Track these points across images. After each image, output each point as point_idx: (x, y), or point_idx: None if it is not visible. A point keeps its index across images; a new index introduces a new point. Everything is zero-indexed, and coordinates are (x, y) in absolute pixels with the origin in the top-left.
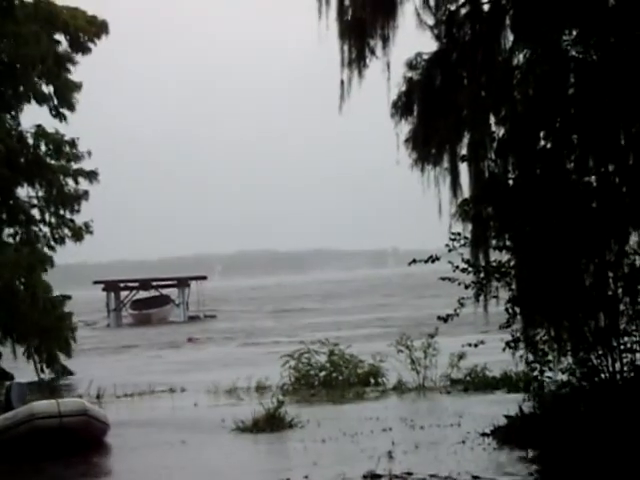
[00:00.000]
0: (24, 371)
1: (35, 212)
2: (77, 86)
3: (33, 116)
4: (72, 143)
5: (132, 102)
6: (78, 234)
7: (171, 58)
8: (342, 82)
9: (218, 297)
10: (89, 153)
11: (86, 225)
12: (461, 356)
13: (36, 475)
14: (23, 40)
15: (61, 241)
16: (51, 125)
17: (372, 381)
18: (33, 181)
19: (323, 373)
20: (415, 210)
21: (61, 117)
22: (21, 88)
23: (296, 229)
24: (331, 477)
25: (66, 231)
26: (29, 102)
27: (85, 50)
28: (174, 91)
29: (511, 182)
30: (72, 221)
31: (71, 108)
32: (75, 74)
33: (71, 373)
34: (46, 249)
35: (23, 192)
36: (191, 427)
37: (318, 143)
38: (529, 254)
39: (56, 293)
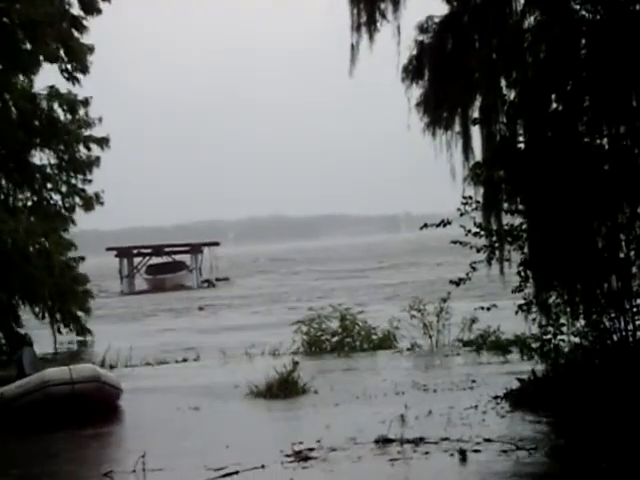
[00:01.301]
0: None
1: (48, 178)
2: (90, 49)
3: (45, 79)
4: (85, 102)
5: (147, 66)
6: (89, 204)
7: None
8: (352, 46)
9: (231, 263)
10: (100, 119)
11: (97, 195)
12: (473, 320)
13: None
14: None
15: (72, 210)
16: (64, 87)
17: (384, 344)
18: (48, 144)
19: (335, 338)
20: (427, 174)
21: (74, 80)
22: (34, 49)
23: (307, 195)
24: (343, 441)
25: (77, 200)
26: (41, 64)
27: (97, 11)
28: (187, 56)
29: (523, 145)
30: (83, 190)
31: (85, 70)
32: (87, 37)
33: (90, 332)
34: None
35: (36, 159)
36: (204, 393)
37: (329, 108)
38: (541, 217)
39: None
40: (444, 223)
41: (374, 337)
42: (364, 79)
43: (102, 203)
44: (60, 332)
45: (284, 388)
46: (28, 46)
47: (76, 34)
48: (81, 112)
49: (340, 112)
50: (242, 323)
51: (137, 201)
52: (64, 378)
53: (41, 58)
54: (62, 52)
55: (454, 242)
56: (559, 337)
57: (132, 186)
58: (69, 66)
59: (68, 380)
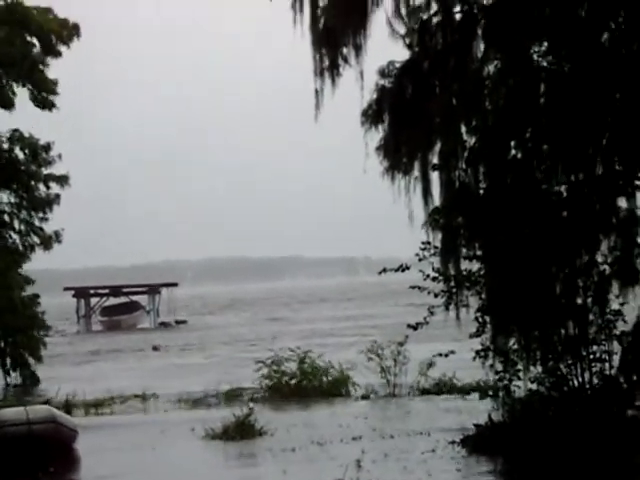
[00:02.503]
0: None
1: (5, 218)
2: (54, 83)
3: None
4: (47, 147)
5: (105, 102)
6: (47, 242)
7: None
8: (316, 91)
9: (189, 304)
10: (60, 157)
11: (56, 234)
12: (430, 364)
13: None
14: None
15: (31, 249)
16: (26, 129)
17: (341, 388)
18: (9, 185)
19: (293, 381)
20: (387, 218)
21: (49, 106)
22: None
23: (268, 236)
24: None
25: (35, 239)
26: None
27: (57, 53)
28: (150, 95)
29: (482, 191)
30: (41, 229)
31: (52, 104)
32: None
33: (38, 381)
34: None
35: None
36: (161, 434)
37: (290, 151)
38: (499, 263)
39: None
40: (402, 268)
41: (330, 378)
42: (325, 122)
43: (60, 241)
44: (9, 374)
45: (240, 430)
46: None
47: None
48: (42, 154)
49: (302, 156)
50: (199, 363)
51: (93, 240)
52: (20, 419)
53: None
54: (30, 87)
55: (412, 287)
56: (516, 383)
57: (88, 225)
58: (40, 97)
59: (24, 421)
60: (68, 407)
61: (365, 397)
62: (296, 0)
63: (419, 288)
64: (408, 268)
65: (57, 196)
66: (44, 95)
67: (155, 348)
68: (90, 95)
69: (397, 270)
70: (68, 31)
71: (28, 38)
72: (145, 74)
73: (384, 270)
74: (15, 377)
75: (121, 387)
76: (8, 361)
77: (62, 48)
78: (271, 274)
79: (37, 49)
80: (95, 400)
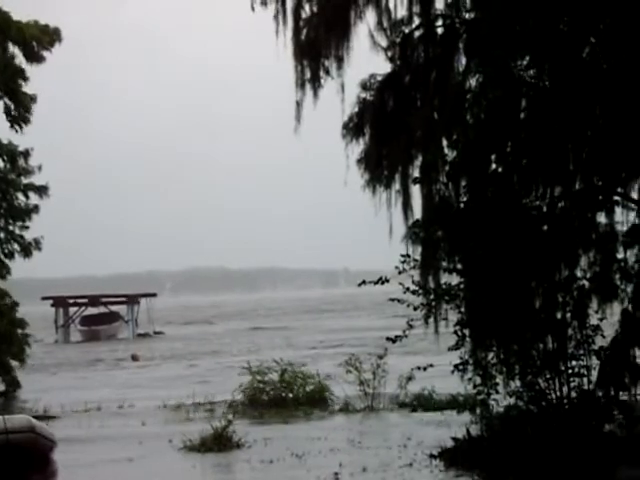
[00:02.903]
0: None
1: None
2: (32, 99)
3: None
4: (26, 154)
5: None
6: (27, 250)
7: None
8: (297, 103)
9: (168, 314)
10: (39, 168)
11: (36, 241)
12: (409, 378)
13: None
14: None
15: (10, 256)
16: (5, 137)
17: (320, 400)
18: None
19: (273, 392)
20: (367, 231)
21: (18, 126)
22: None
23: (246, 248)
24: None
25: (15, 246)
26: None
27: (39, 59)
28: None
29: (462, 205)
30: (22, 237)
31: (26, 121)
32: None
33: (19, 385)
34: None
35: None
36: (138, 445)
37: (272, 162)
38: (479, 277)
39: None
40: (382, 281)
41: (309, 389)
42: (307, 133)
43: (40, 249)
44: None
45: (218, 442)
46: None
47: (20, 82)
48: (21, 162)
49: (281, 167)
50: (178, 374)
51: (74, 249)
52: None
53: None
54: (7, 100)
55: (392, 299)
56: (494, 397)
57: (67, 233)
58: (15, 112)
59: (2, 430)
60: (46, 417)
61: (343, 410)
62: (279, 11)
63: (398, 301)
64: (387, 281)
65: (35, 207)
66: (20, 111)
67: (134, 358)
68: (67, 103)
69: (377, 283)
70: (49, 37)
71: (10, 47)
72: (130, 80)
73: (363, 282)
74: None
75: (99, 397)
76: None
77: (45, 53)
78: (251, 285)
79: (18, 60)
80: (72, 411)
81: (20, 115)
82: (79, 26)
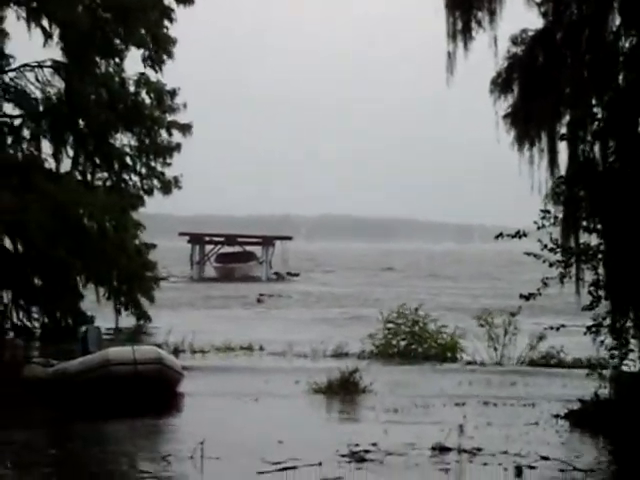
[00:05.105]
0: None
1: (127, 160)
2: (173, 41)
3: (135, 65)
4: (173, 93)
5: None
6: (167, 187)
7: None
8: (449, 54)
9: (302, 258)
10: (185, 105)
11: (175, 179)
12: (541, 337)
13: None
14: None
15: (150, 192)
16: (154, 75)
17: (449, 355)
18: (131, 128)
19: (404, 343)
20: (505, 186)
21: (158, 67)
22: (125, 34)
23: (380, 197)
24: (400, 446)
25: (155, 182)
26: (130, 49)
27: (188, 1)
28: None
29: (607, 165)
30: (162, 174)
31: (170, 56)
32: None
33: (150, 319)
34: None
35: (117, 140)
36: (265, 385)
37: (414, 108)
38: (620, 239)
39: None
40: (520, 235)
41: (439, 343)
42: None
43: (180, 187)
44: (119, 313)
45: (344, 387)
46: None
47: (166, 23)
48: (167, 100)
49: (426, 117)
50: (308, 317)
51: (211, 189)
52: (127, 358)
53: (134, 42)
54: (149, 39)
55: (527, 254)
56: (626, 362)
57: (206, 174)
58: (154, 54)
59: (131, 360)
60: (176, 351)
61: (471, 363)
62: None
63: (535, 255)
64: (526, 235)
65: (178, 145)
66: (159, 54)
67: (259, 300)
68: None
69: (514, 236)
70: None
71: None
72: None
73: (501, 235)
74: (127, 316)
75: (229, 338)
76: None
77: None
78: (384, 235)
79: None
80: (201, 347)
81: (161, 56)
82: None
